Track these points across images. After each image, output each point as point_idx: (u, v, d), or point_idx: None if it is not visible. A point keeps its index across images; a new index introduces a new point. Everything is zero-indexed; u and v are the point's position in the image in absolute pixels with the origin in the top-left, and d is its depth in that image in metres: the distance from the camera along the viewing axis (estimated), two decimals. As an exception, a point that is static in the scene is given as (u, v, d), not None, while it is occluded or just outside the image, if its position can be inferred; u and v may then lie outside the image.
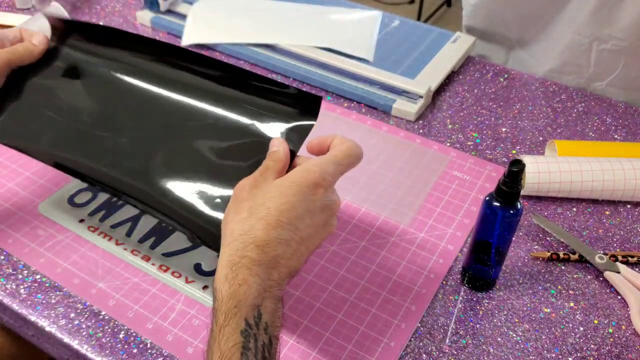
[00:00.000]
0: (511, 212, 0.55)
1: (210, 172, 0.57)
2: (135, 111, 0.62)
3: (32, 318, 0.58)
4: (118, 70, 0.65)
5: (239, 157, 0.57)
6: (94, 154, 0.61)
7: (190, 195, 0.56)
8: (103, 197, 0.70)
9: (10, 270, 0.62)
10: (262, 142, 0.56)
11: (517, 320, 0.60)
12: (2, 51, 0.63)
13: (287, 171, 0.52)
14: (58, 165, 0.62)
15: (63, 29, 0.68)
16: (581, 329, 0.59)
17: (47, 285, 0.61)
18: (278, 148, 0.53)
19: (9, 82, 0.65)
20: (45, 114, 0.64)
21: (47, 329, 0.57)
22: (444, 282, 0.63)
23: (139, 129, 0.61)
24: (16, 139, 0.64)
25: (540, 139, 0.82)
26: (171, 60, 0.64)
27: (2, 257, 0.63)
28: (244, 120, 0.58)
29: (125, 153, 0.60)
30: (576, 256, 0.65)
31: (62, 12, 0.91)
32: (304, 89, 0.56)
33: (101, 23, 1.02)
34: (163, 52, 0.64)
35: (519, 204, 0.55)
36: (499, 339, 0.58)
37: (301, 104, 0.56)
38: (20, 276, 0.61)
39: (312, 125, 0.56)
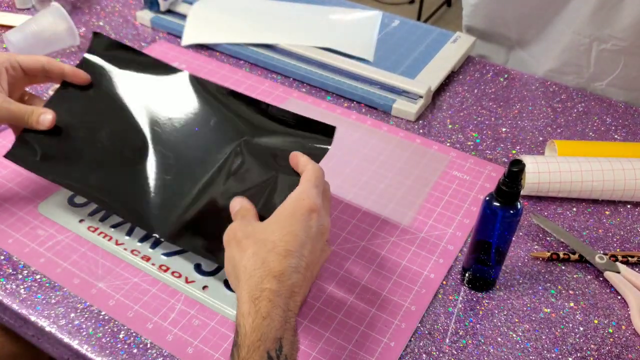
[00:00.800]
0: (511, 212, 0.55)
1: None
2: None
3: (32, 318, 0.58)
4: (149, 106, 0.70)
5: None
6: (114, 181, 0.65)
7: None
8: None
9: (10, 270, 0.62)
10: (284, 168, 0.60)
11: (517, 320, 0.60)
12: (8, 107, 0.63)
13: None
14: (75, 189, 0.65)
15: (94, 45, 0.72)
16: (581, 329, 0.59)
17: (47, 285, 0.61)
18: (240, 205, 0.56)
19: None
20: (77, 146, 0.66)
21: (47, 329, 0.57)
22: (444, 282, 0.63)
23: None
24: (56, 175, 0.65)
25: (540, 139, 0.82)
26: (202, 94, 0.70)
27: (2, 257, 0.63)
28: (269, 160, 0.63)
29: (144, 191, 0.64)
30: (576, 256, 0.65)
31: (62, 12, 0.91)
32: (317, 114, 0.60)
33: (101, 23, 1.02)
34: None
35: (519, 204, 0.55)
36: (499, 339, 0.58)
37: (318, 131, 0.62)
38: (20, 276, 0.61)
39: (326, 150, 0.61)
